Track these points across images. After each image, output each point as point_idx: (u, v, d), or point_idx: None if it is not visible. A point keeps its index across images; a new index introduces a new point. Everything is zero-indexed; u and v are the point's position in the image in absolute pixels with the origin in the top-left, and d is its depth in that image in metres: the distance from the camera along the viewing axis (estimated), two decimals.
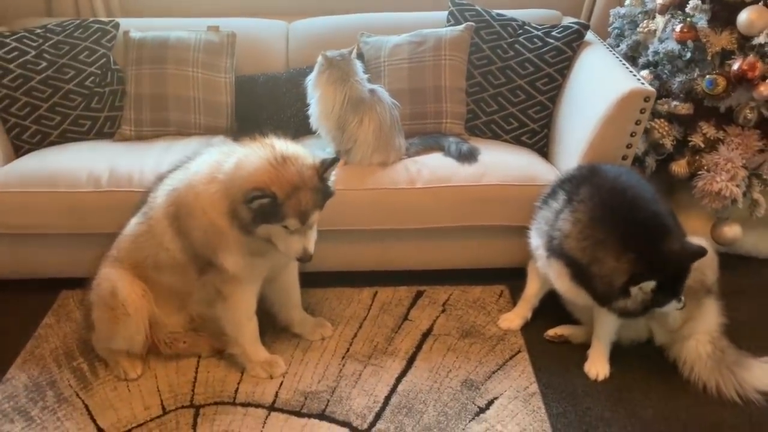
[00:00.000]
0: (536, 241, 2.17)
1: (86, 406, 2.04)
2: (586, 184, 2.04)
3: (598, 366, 2.15)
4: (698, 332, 2.08)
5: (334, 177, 1.95)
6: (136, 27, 2.84)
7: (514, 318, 2.37)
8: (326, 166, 1.88)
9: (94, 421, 1.99)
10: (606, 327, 2.13)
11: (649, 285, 1.82)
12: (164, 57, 2.71)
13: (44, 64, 2.66)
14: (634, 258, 1.83)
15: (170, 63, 2.71)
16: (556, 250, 2.02)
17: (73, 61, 2.70)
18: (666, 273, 1.83)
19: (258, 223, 1.84)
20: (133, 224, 2.14)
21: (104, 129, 2.74)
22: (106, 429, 1.96)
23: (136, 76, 2.72)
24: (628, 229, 1.87)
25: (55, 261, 2.52)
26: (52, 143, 2.68)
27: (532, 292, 2.35)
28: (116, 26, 2.82)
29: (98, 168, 2.41)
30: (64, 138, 2.69)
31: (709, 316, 2.10)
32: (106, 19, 2.84)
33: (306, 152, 1.93)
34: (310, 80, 2.47)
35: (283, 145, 1.90)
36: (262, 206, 1.79)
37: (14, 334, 2.34)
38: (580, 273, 1.96)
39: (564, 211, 2.01)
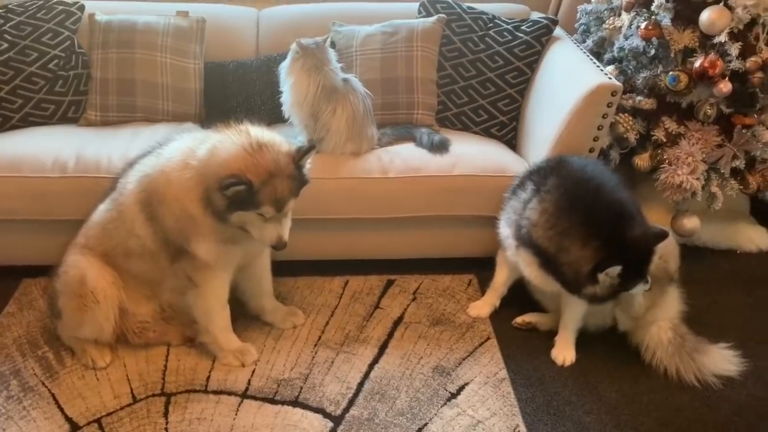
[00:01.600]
0: (505, 231, 2.22)
1: (53, 395, 2.00)
2: (553, 174, 2.10)
3: (564, 352, 2.21)
4: (661, 319, 2.16)
5: (309, 165, 1.95)
6: (101, 10, 2.77)
7: (483, 306, 2.42)
8: (302, 153, 1.88)
9: (61, 410, 1.95)
10: (573, 314, 2.19)
11: (616, 270, 1.88)
12: (132, 41, 2.66)
13: (5, 45, 2.58)
14: (599, 245, 1.89)
15: (138, 48, 2.66)
16: (524, 240, 2.07)
17: (36, 43, 2.63)
18: (630, 257, 1.89)
19: (233, 210, 1.83)
20: (102, 211, 2.10)
21: (68, 114, 2.67)
22: (75, 418, 1.93)
23: (102, 60, 2.66)
24: (592, 217, 1.94)
25: (18, 248, 2.45)
26: (14, 127, 2.60)
27: (500, 281, 2.40)
28: (81, 8, 2.75)
29: (65, 153, 2.36)
30: (27, 122, 2.62)
31: (671, 304, 2.19)
32: (70, 1, 2.76)
33: (281, 139, 1.92)
34: (283, 67, 2.46)
35: (258, 132, 1.89)
36: (237, 193, 1.78)
37: None
38: (548, 261, 2.01)
39: (532, 201, 2.06)
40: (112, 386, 2.04)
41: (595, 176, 2.08)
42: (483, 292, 2.51)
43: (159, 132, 2.51)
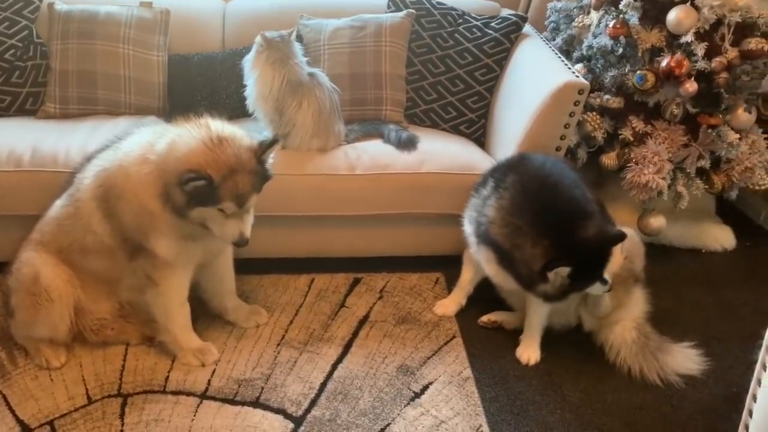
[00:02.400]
0: (468, 228, 2.20)
1: (4, 397, 1.94)
2: (512, 172, 2.09)
3: (529, 351, 2.20)
4: (625, 319, 2.16)
5: (272, 160, 1.92)
6: None
7: (450, 304, 2.40)
8: (264, 147, 1.85)
9: (12, 411, 1.89)
10: (537, 313, 2.18)
11: (565, 270, 1.87)
12: (93, 32, 2.59)
13: None
14: (549, 244, 1.87)
15: (99, 39, 2.59)
16: (483, 236, 2.06)
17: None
18: (581, 257, 1.87)
19: (192, 206, 1.79)
20: (58, 206, 2.04)
21: (26, 105, 2.60)
22: (27, 420, 1.87)
23: (61, 51, 2.59)
24: (545, 215, 1.92)
25: None
26: None
27: (467, 279, 2.38)
28: None
29: (20, 146, 2.29)
30: None
31: (637, 304, 2.19)
32: None
33: (243, 133, 1.89)
34: (248, 60, 2.41)
35: (218, 126, 1.85)
36: (197, 189, 1.74)
37: None
38: (504, 258, 2.00)
39: (490, 198, 2.05)
40: (66, 387, 1.98)
41: (553, 174, 2.06)
42: (450, 291, 2.49)
43: (120, 125, 2.46)
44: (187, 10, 2.82)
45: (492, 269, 2.09)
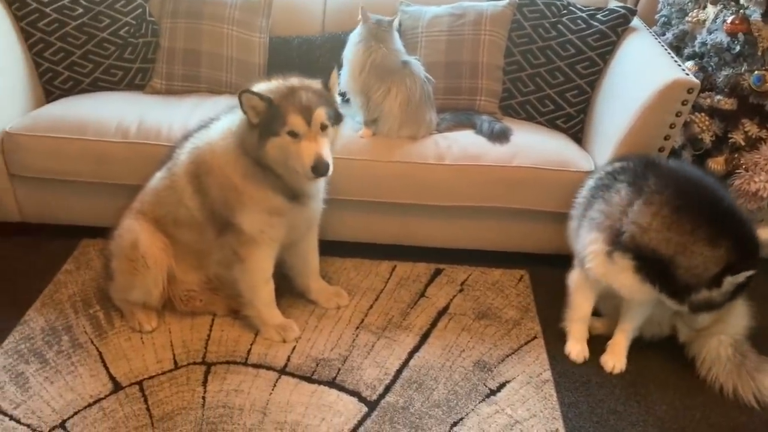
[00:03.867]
0: (589, 237, 2.01)
1: (100, 354, 2.06)
2: (652, 174, 1.95)
3: (615, 358, 2.11)
4: (723, 333, 2.03)
5: (338, 98, 1.99)
6: None
7: (581, 347, 2.17)
8: (328, 74, 1.94)
9: (107, 368, 2.01)
10: (634, 321, 2.09)
11: (745, 274, 1.76)
12: (200, 12, 2.68)
13: (80, 10, 2.64)
14: (731, 245, 1.77)
15: (206, 18, 2.68)
16: (625, 244, 1.90)
17: (109, 9, 2.67)
18: (757, 261, 1.78)
19: (264, 138, 1.82)
20: (158, 178, 2.14)
21: (135, 80, 2.73)
22: (119, 378, 1.98)
23: (170, 29, 2.69)
24: (718, 216, 1.82)
25: (78, 208, 2.53)
26: (83, 91, 2.67)
27: (586, 308, 2.16)
28: None
29: (128, 119, 2.41)
30: (95, 86, 2.69)
31: (737, 318, 2.05)
32: None
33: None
34: (352, 36, 2.44)
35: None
36: (260, 115, 1.80)
37: (34, 277, 2.37)
38: (653, 266, 1.87)
39: (635, 203, 1.90)
40: (155, 351, 2.09)
41: (701, 176, 1.97)
42: (534, 290, 2.43)
43: (220, 104, 2.52)
44: None
45: (627, 280, 1.93)
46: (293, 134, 1.81)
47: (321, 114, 1.82)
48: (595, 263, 1.99)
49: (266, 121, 1.80)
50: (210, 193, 1.98)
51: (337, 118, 1.91)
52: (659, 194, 1.88)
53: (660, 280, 1.87)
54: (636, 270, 1.89)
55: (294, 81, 1.90)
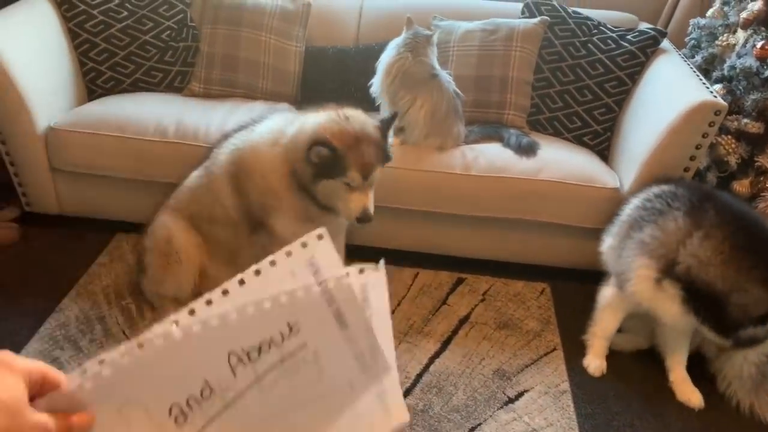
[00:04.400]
0: (637, 262, 2.01)
1: None
2: (709, 205, 1.96)
3: (690, 392, 2.10)
4: (749, 352, 2.04)
5: (391, 141, 1.99)
6: None
7: (600, 362, 2.20)
8: (387, 122, 1.93)
9: None
10: (681, 349, 2.11)
11: None
12: (240, 19, 2.77)
13: (125, 13, 2.75)
14: None
15: (245, 26, 2.76)
16: (678, 275, 1.91)
17: (153, 13, 2.78)
18: None
19: (319, 179, 1.86)
20: (194, 177, 2.20)
21: (174, 83, 2.82)
22: None
23: (210, 35, 2.79)
24: None
25: (115, 203, 2.61)
26: (124, 91, 2.77)
27: (612, 328, 2.19)
28: None
29: (166, 119, 2.49)
30: (136, 87, 2.78)
31: None
32: None
33: (367, 116, 1.97)
34: (391, 42, 2.51)
35: (347, 109, 1.94)
36: (322, 159, 1.81)
37: (70, 267, 2.45)
38: (703, 300, 1.87)
39: (694, 234, 1.90)
40: None
41: (755, 213, 2.00)
42: (556, 303, 2.46)
43: (255, 109, 2.62)
44: (326, 4, 2.95)
45: (673, 309, 1.93)
46: (347, 184, 1.87)
47: (378, 172, 1.90)
48: (641, 288, 1.99)
49: (326, 165, 1.82)
50: (248, 194, 2.04)
51: (385, 160, 1.94)
52: (720, 229, 1.88)
53: (707, 314, 1.88)
54: (683, 300, 1.90)
55: (353, 120, 1.87)
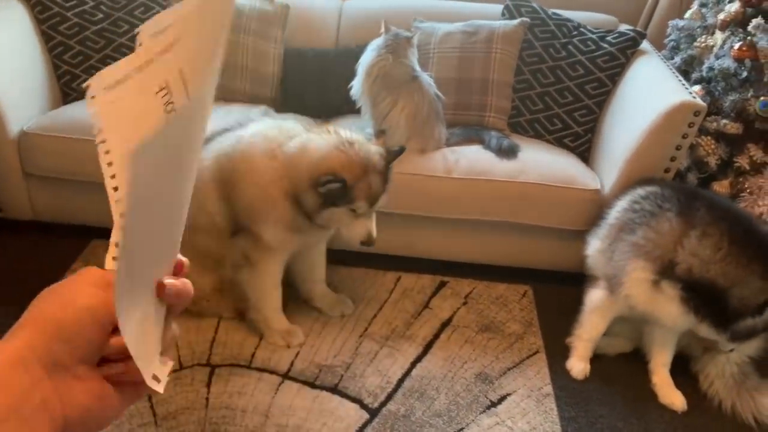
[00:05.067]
0: (630, 265, 2.00)
1: None
2: (698, 204, 1.97)
3: (669, 396, 2.09)
4: (734, 350, 2.04)
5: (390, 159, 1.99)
6: None
7: (584, 365, 2.19)
8: (394, 155, 1.92)
9: None
10: (666, 351, 2.11)
11: None
12: None
13: (100, 15, 2.70)
14: None
15: None
16: (678, 275, 1.91)
17: (129, 15, 2.73)
18: None
19: (325, 207, 1.85)
20: None
21: None
22: None
23: None
24: (765, 246, 1.86)
25: (90, 209, 2.56)
26: None
27: (599, 331, 2.18)
28: None
29: None
30: None
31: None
32: None
33: (368, 143, 1.96)
34: (370, 44, 2.48)
35: (346, 132, 1.93)
36: (331, 191, 1.80)
37: (45, 274, 2.39)
38: (703, 297, 1.88)
39: (690, 233, 1.91)
40: None
41: (740, 209, 2.07)
42: (538, 305, 2.45)
43: (234, 111, 2.59)
44: (305, 5, 2.92)
45: (672, 309, 1.93)
46: (353, 210, 1.87)
47: (383, 200, 1.91)
48: (637, 291, 1.99)
49: (333, 195, 1.82)
50: (237, 201, 1.98)
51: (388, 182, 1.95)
52: (715, 227, 1.89)
53: (707, 311, 1.88)
54: (682, 300, 1.90)
55: (359, 148, 1.86)
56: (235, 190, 1.98)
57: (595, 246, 2.20)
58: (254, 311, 2.17)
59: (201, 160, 2.07)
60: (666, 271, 1.92)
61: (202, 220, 2.05)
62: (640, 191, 2.15)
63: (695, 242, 1.89)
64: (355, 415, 1.93)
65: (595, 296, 2.16)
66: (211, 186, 2.02)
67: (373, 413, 1.94)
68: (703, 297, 1.88)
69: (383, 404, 1.98)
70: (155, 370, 0.51)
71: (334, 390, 2.01)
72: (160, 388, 0.51)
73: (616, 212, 2.16)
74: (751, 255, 1.84)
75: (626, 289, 2.00)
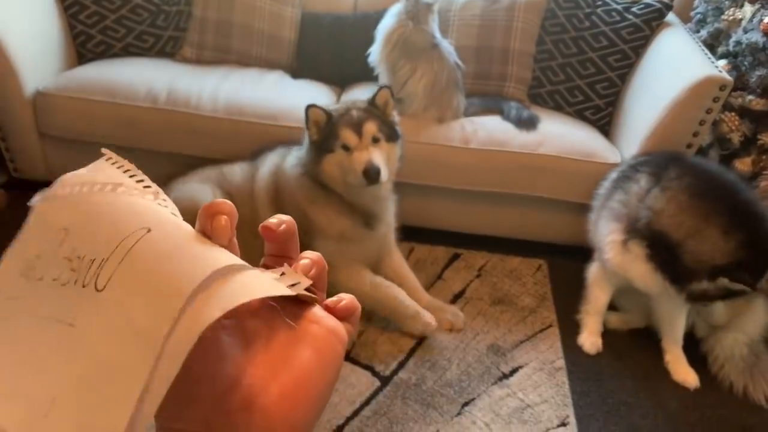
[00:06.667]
0: (607, 228, 2.02)
1: None
2: (673, 165, 1.96)
3: (682, 373, 2.06)
4: (740, 331, 2.03)
5: (397, 117, 2.01)
6: None
7: (595, 339, 2.16)
8: (374, 93, 1.96)
9: None
10: (676, 328, 2.07)
11: (741, 286, 1.75)
12: None
13: None
14: (744, 239, 1.74)
15: None
16: (640, 231, 1.91)
17: None
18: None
19: (321, 155, 1.90)
20: (238, 173, 2.18)
21: (166, 48, 2.74)
22: None
23: None
24: (737, 209, 1.78)
25: None
26: (115, 55, 2.69)
27: (602, 302, 2.17)
28: None
29: (158, 85, 2.42)
30: (127, 52, 2.70)
31: (757, 315, 2.04)
32: None
33: None
34: (390, 9, 2.45)
35: None
36: (319, 128, 1.89)
37: None
38: (662, 252, 1.86)
39: (652, 190, 1.92)
40: None
41: (724, 172, 1.98)
42: (552, 280, 2.43)
43: (249, 75, 2.56)
44: None
45: (640, 268, 1.92)
46: (346, 148, 1.88)
47: (370, 128, 1.90)
48: (612, 253, 2.00)
49: (324, 138, 1.90)
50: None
51: (391, 135, 1.96)
52: (678, 181, 1.89)
53: (666, 266, 1.86)
54: (648, 258, 1.90)
55: (348, 102, 2.01)
56: (283, 207, 2.00)
57: (591, 218, 2.21)
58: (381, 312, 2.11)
59: (261, 169, 2.15)
60: (632, 229, 1.93)
61: (257, 218, 2.06)
62: (631, 161, 2.16)
63: (653, 196, 1.90)
64: (366, 381, 1.93)
65: (592, 269, 2.18)
66: (267, 199, 2.08)
67: (385, 381, 1.94)
68: (663, 252, 1.85)
69: (395, 372, 1.98)
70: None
71: (346, 357, 2.00)
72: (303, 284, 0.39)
73: (606, 183, 2.18)
74: (712, 210, 1.79)
75: (605, 254, 2.01)
